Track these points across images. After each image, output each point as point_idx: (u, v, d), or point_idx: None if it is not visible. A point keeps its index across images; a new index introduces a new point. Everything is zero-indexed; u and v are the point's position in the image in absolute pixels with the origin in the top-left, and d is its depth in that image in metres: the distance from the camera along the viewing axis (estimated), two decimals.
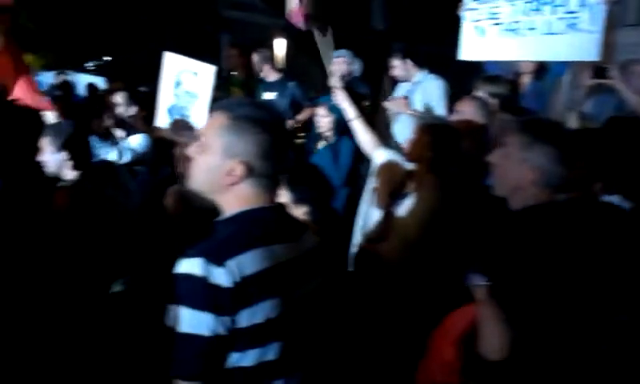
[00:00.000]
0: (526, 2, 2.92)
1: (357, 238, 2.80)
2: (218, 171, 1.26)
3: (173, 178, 3.02)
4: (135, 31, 11.24)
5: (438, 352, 1.49)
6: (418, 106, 3.52)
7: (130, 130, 3.75)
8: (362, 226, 2.82)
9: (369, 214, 2.79)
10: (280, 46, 8.09)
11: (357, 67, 4.33)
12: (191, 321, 1.15)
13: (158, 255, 2.65)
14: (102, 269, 2.47)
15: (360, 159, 3.51)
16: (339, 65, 3.95)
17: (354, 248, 2.72)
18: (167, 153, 3.61)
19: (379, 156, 2.82)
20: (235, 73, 5.19)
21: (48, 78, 8.09)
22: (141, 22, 11.13)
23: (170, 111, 3.58)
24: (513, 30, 2.99)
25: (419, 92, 3.65)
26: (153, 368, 2.19)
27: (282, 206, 1.38)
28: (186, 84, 3.52)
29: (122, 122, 3.79)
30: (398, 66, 3.81)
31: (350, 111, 2.95)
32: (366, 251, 2.43)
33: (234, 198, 1.28)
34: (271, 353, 1.26)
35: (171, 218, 2.40)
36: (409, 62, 3.78)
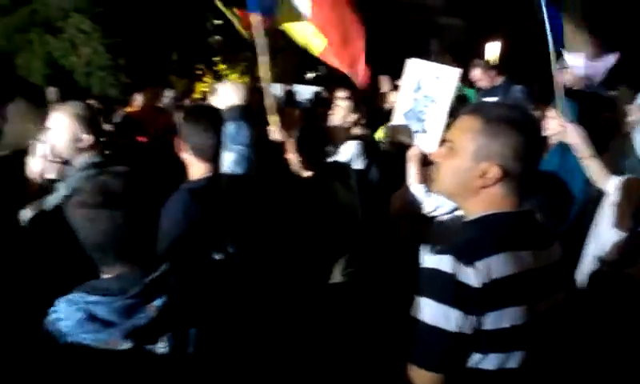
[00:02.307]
0: None
1: (587, 258, 2.53)
2: (469, 174, 1.27)
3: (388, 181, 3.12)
4: None
5: None
6: None
7: (349, 135, 3.98)
8: (595, 245, 2.53)
9: (604, 234, 2.49)
10: (495, 50, 7.75)
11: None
12: (437, 314, 1.18)
13: (377, 251, 2.79)
14: (325, 261, 2.69)
15: None
16: (566, 75, 3.56)
17: (586, 269, 2.46)
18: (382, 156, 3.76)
19: (613, 183, 2.49)
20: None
21: (275, 89, 9.26)
22: None
23: (407, 115, 3.65)
24: None
25: None
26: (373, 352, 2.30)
27: (531, 212, 1.33)
28: (425, 88, 3.54)
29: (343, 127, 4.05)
30: None
31: (581, 149, 2.56)
32: (606, 275, 2.18)
33: (483, 201, 1.28)
34: (513, 361, 1.23)
35: (394, 220, 2.49)
36: None
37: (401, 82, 3.40)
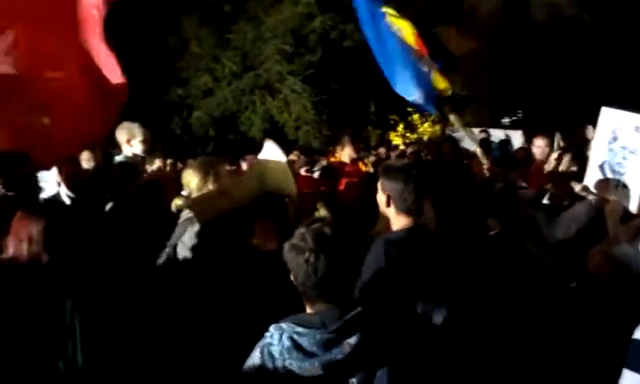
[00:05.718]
0: None
1: None
2: None
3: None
4: (542, 86, 11.24)
5: None
6: None
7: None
8: None
9: None
10: None
11: None
12: None
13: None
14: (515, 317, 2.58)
15: None
16: None
17: None
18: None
19: None
20: None
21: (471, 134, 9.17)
22: (542, 76, 11.07)
23: (602, 167, 3.36)
24: None
25: None
26: None
27: None
28: (622, 139, 3.24)
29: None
30: None
31: None
32: None
33: None
34: None
35: (595, 279, 2.30)
36: None
37: (595, 133, 3.16)
